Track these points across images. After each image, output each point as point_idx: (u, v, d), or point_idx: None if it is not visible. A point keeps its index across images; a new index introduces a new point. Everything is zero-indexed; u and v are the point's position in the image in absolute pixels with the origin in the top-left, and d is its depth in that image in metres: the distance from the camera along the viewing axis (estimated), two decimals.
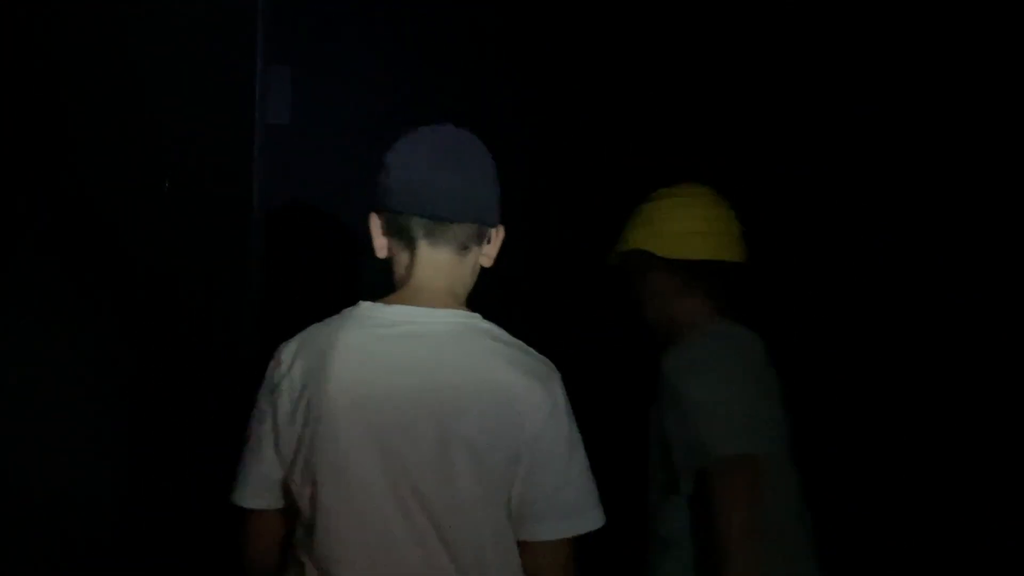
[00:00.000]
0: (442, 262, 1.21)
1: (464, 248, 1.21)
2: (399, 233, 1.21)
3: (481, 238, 1.23)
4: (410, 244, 1.21)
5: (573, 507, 1.15)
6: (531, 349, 1.22)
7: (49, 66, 1.66)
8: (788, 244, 2.57)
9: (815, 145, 2.57)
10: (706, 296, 1.64)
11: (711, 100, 2.84)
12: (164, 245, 1.84)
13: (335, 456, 1.11)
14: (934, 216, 2.28)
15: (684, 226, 1.62)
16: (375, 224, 1.25)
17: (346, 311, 1.22)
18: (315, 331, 1.21)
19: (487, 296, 1.32)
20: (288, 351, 1.20)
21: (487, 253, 1.26)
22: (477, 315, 1.23)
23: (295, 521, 1.19)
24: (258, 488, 1.20)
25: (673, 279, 1.63)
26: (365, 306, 1.21)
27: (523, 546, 1.16)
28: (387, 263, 1.28)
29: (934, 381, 2.23)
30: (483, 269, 1.28)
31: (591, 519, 1.17)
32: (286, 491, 1.18)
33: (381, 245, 1.25)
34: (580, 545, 1.19)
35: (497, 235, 1.26)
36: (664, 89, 2.97)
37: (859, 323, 2.43)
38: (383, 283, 1.24)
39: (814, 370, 2.46)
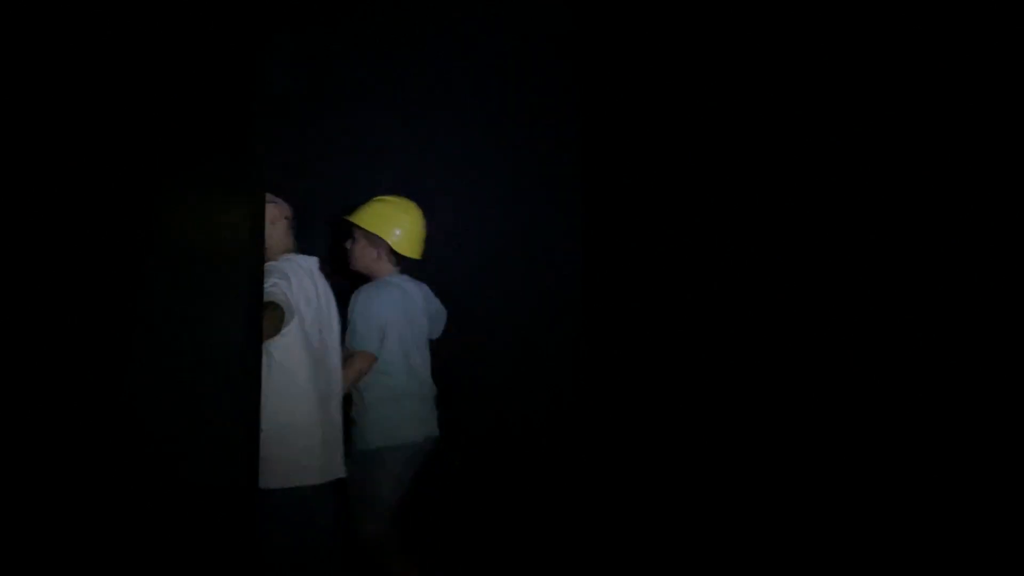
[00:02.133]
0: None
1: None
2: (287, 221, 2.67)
3: None
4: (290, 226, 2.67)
5: None
6: None
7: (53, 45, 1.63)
8: (787, 243, 2.57)
9: (815, 145, 2.57)
10: (397, 265, 3.07)
11: (710, 102, 2.82)
12: (167, 218, 1.83)
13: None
14: (932, 216, 2.27)
15: (396, 227, 3.00)
16: (274, 213, 2.60)
17: (291, 257, 2.59)
18: (292, 263, 2.57)
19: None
20: (287, 270, 2.52)
21: None
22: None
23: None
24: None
25: (382, 252, 3.04)
26: (300, 256, 2.63)
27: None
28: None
29: (933, 381, 2.22)
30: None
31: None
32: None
33: (281, 227, 2.63)
34: None
35: None
36: (660, 90, 2.95)
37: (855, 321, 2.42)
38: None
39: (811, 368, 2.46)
